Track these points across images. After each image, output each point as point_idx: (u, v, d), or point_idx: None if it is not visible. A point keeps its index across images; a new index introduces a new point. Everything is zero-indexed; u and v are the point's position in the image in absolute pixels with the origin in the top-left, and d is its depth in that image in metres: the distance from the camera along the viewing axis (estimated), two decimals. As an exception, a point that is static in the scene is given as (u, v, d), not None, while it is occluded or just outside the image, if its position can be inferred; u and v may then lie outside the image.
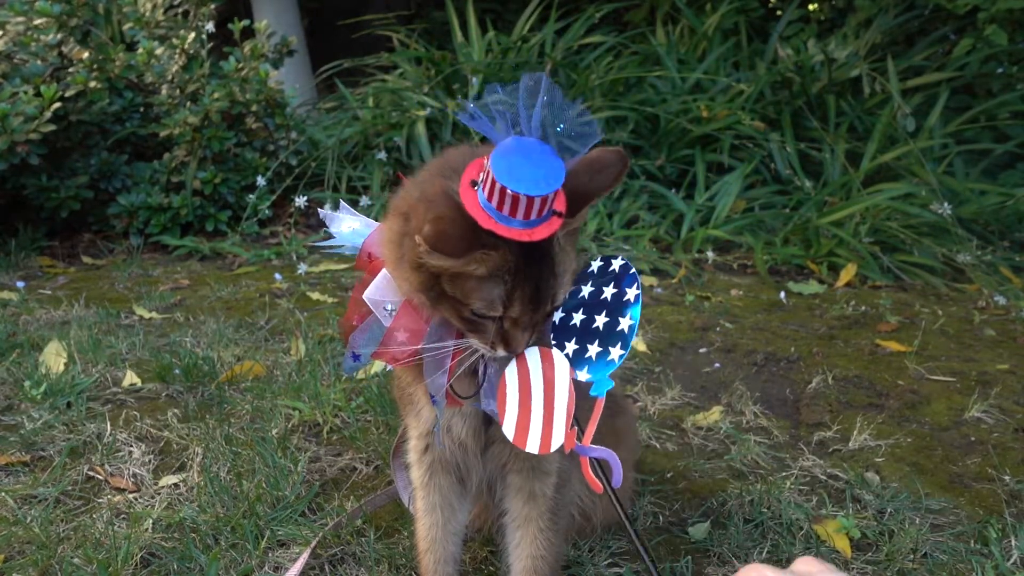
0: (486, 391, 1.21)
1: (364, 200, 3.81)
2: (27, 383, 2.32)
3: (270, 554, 1.65)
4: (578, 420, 1.14)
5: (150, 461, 2.00)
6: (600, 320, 1.17)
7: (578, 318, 1.19)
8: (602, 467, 1.12)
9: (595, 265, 1.22)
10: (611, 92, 4.93)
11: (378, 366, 2.36)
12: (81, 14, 4.15)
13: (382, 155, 4.45)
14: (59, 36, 4.17)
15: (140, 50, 4.21)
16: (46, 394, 2.28)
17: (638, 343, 2.83)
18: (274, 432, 2.13)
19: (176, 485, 1.91)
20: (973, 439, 2.22)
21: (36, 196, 3.97)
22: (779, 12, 6.53)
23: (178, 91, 4.32)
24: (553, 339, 1.20)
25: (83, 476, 1.93)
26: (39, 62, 4.11)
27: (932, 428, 2.29)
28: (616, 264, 1.19)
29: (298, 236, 4.13)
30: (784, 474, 2.02)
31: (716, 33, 5.60)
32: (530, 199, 1.02)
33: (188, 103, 4.23)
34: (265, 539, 1.67)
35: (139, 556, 1.61)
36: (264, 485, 1.86)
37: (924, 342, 2.91)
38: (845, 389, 2.54)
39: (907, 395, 2.48)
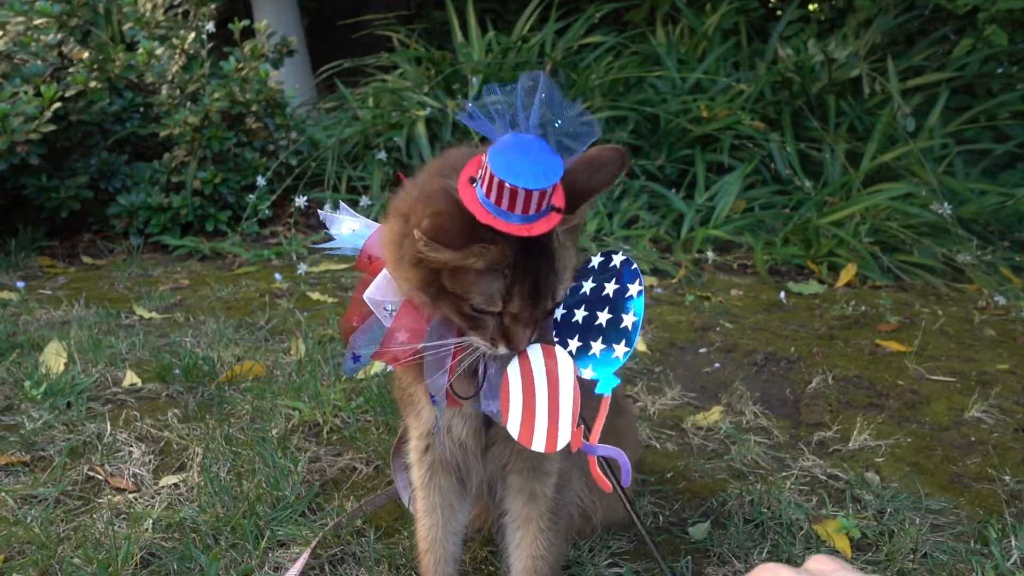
0: (486, 392, 1.21)
1: (364, 200, 3.80)
2: (27, 383, 2.32)
3: (270, 554, 1.65)
4: (584, 419, 1.14)
5: (150, 461, 2.00)
6: (603, 316, 1.15)
7: (580, 315, 1.18)
8: (610, 466, 1.12)
9: (595, 261, 1.20)
10: (611, 92, 4.93)
11: (378, 366, 2.36)
12: (81, 14, 4.15)
13: (382, 155, 4.45)
14: (59, 36, 4.17)
15: (140, 50, 4.21)
16: (46, 394, 2.28)
17: (638, 343, 2.82)
18: (274, 432, 2.13)
19: (176, 485, 1.91)
20: (973, 439, 2.22)
21: (36, 196, 3.98)
22: (779, 12, 6.53)
23: (178, 91, 4.32)
24: (555, 336, 1.19)
25: (83, 476, 1.93)
26: (39, 62, 4.11)
27: (932, 428, 2.29)
28: (617, 260, 1.18)
29: (298, 236, 4.13)
30: (784, 474, 2.02)
31: (716, 33, 5.59)
32: (528, 193, 1.02)
33: (188, 103, 4.23)
34: (265, 539, 1.67)
35: (139, 556, 1.61)
36: (264, 485, 1.86)
37: (924, 342, 2.91)
38: (845, 389, 2.54)
39: (907, 395, 2.48)
